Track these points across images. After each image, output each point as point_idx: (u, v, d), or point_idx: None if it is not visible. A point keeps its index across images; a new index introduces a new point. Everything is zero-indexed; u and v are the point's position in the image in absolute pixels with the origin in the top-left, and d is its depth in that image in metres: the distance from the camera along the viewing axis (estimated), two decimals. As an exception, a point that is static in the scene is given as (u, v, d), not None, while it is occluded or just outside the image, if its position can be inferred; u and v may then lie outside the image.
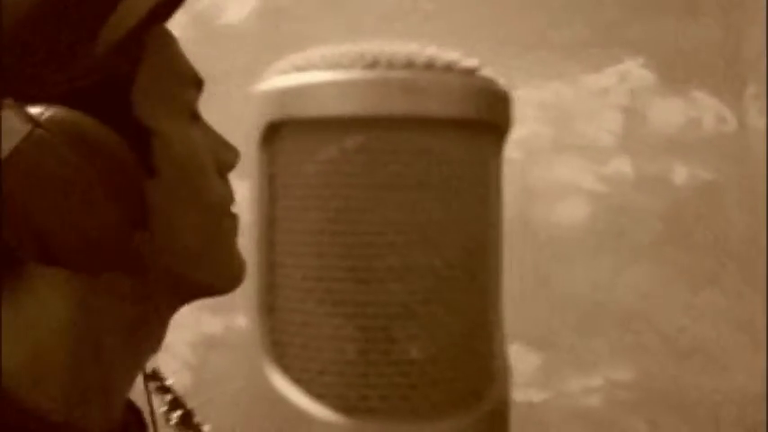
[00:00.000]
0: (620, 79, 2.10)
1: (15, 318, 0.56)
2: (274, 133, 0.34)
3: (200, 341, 2.26)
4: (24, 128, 0.48)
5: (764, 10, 2.00)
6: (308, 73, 0.33)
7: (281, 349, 0.33)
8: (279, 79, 0.34)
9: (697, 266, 2.04)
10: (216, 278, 0.58)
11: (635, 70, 2.09)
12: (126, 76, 0.53)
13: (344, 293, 0.32)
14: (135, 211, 0.50)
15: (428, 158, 0.33)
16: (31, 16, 0.51)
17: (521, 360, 1.93)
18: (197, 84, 0.59)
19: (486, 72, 0.36)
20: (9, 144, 0.47)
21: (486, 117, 0.35)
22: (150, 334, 0.60)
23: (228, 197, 0.58)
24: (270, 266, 0.34)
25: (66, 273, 0.53)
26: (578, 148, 2.08)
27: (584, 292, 2.06)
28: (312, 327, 0.33)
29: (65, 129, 0.49)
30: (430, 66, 0.33)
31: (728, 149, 2.04)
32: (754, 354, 1.99)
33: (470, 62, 0.35)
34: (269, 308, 0.34)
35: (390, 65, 0.33)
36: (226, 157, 0.58)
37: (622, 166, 2.08)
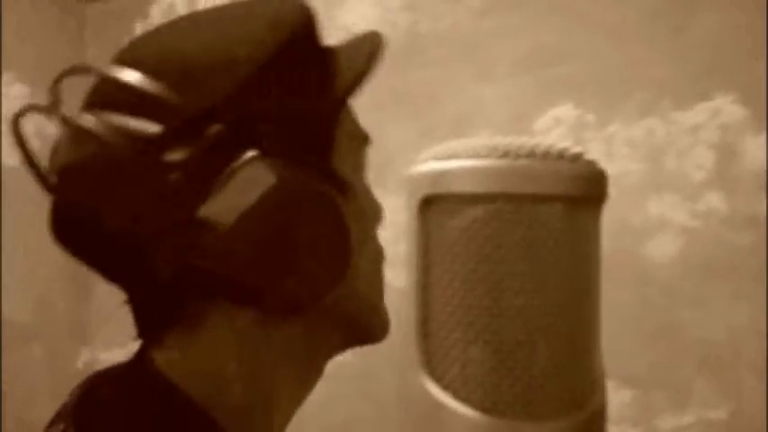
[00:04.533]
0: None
1: (190, 346, 0.60)
2: (428, 205, 0.46)
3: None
4: (269, 180, 0.52)
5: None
6: (455, 160, 0.45)
7: (434, 365, 0.45)
8: (432, 164, 0.46)
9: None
10: (381, 326, 0.58)
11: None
12: (329, 133, 0.56)
13: (483, 324, 0.44)
14: (346, 263, 0.52)
15: (544, 225, 0.44)
16: (263, 73, 0.55)
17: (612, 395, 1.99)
18: (367, 140, 0.61)
19: (588, 157, 0.47)
20: (255, 193, 0.52)
21: (588, 194, 0.46)
22: (317, 371, 0.61)
23: (382, 248, 0.60)
24: (425, 304, 0.46)
25: (251, 312, 0.57)
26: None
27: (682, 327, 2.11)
28: (458, 349, 0.44)
29: (304, 187, 0.52)
30: (546, 155, 0.45)
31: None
32: None
33: (576, 149, 0.46)
34: (425, 334, 0.46)
35: (517, 155, 0.44)
36: (378, 211, 0.60)
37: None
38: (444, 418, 0.44)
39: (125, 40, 2.60)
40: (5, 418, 2.26)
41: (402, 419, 0.47)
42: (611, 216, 2.05)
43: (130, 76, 0.58)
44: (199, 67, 0.55)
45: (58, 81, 0.59)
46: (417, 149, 2.25)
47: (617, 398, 2.04)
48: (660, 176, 2.18)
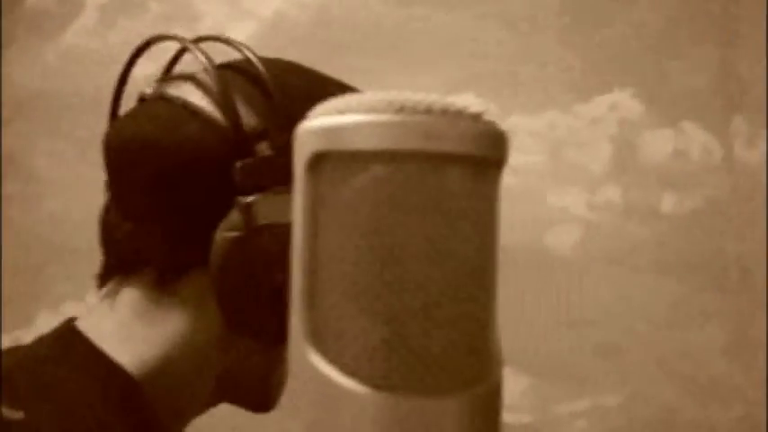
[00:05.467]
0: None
1: (161, 320, 0.70)
2: (317, 163, 0.42)
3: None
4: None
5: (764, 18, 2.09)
6: (348, 115, 0.42)
7: (320, 338, 0.41)
8: (323, 119, 0.42)
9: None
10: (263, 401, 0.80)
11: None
12: None
13: (374, 294, 0.40)
14: None
15: (441, 188, 0.41)
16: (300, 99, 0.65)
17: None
18: None
19: (490, 116, 0.44)
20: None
21: (485, 153, 0.43)
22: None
23: None
24: (312, 272, 0.42)
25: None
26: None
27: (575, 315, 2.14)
28: (346, 320, 0.41)
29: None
30: (445, 111, 0.42)
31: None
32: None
33: (478, 108, 0.44)
34: (311, 305, 0.42)
35: (414, 110, 0.41)
36: None
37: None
38: (333, 395, 0.41)
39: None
40: None
41: (291, 396, 0.44)
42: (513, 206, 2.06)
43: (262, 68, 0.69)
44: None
45: (204, 40, 0.72)
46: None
47: (516, 386, 2.06)
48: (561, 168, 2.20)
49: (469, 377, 0.42)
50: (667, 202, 2.14)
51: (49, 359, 0.70)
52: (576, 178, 2.15)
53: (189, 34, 2.49)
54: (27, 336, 2.41)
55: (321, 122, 0.42)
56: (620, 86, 2.16)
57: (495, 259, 0.44)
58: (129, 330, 0.70)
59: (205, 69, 0.69)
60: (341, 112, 0.42)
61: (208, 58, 0.69)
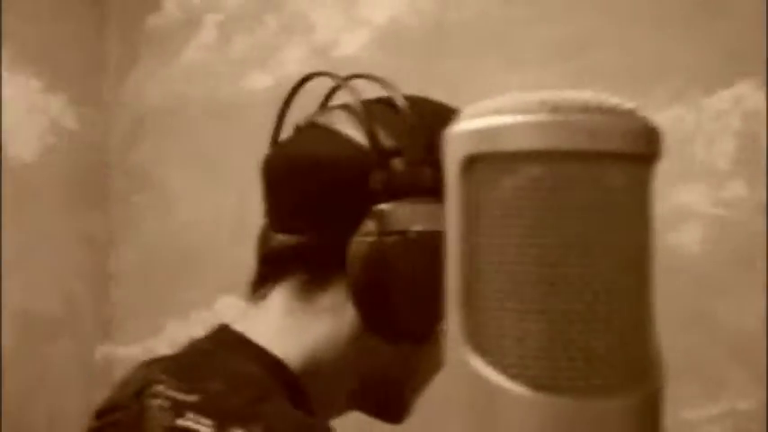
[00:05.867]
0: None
1: (307, 323, 0.78)
2: (471, 164, 0.42)
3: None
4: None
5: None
6: (502, 116, 0.42)
7: (482, 340, 0.41)
8: (476, 121, 0.42)
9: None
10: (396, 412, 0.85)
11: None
12: None
13: (537, 294, 0.40)
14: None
15: (600, 185, 0.41)
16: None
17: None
18: None
19: (642, 112, 0.43)
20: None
21: (643, 150, 0.43)
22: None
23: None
24: (470, 273, 0.42)
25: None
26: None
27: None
28: (509, 321, 0.41)
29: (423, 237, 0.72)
30: (599, 109, 0.41)
31: None
32: None
33: (630, 105, 0.43)
34: (471, 306, 0.42)
35: (569, 109, 0.41)
36: None
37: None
38: (495, 397, 0.40)
39: (141, 31, 2.57)
40: (36, 410, 2.25)
41: (449, 401, 0.44)
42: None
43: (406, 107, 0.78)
44: None
45: (353, 78, 0.81)
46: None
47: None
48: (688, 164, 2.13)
49: (634, 377, 0.41)
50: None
51: (212, 352, 0.77)
52: (701, 174, 2.09)
53: (305, 46, 2.52)
54: (159, 344, 2.50)
55: (474, 125, 0.43)
56: (744, 78, 2.08)
57: (652, 255, 0.44)
58: (281, 331, 0.77)
59: (353, 102, 0.79)
60: (494, 113, 0.42)
61: (354, 92, 0.78)
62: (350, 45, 2.33)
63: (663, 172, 0.47)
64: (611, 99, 0.42)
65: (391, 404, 0.83)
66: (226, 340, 0.78)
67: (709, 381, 2.06)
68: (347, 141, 0.76)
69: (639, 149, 0.42)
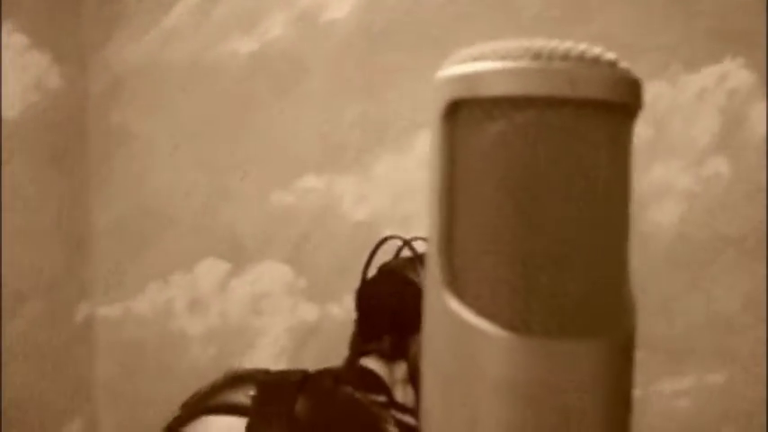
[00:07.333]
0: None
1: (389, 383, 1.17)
2: (455, 110, 0.43)
3: (297, 327, 2.37)
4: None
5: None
6: (484, 62, 0.42)
7: (458, 282, 0.42)
8: (459, 67, 0.43)
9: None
10: None
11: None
12: None
13: (514, 237, 0.41)
14: None
15: (579, 133, 0.41)
16: None
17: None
18: None
19: (623, 64, 0.44)
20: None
21: (624, 100, 0.43)
22: None
23: None
24: (450, 217, 0.43)
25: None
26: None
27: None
28: (485, 264, 0.41)
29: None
30: (581, 58, 0.42)
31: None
32: None
33: (611, 55, 0.43)
34: (449, 251, 0.42)
35: (551, 57, 0.41)
36: None
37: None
38: (472, 339, 0.41)
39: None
40: (5, 374, 2.24)
41: (427, 341, 0.44)
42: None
43: None
44: None
45: (415, 240, 1.31)
46: (406, 93, 2.22)
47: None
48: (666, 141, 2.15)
49: (606, 322, 0.42)
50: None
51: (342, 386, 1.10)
52: (682, 151, 2.10)
53: (287, 12, 2.48)
54: (139, 305, 2.50)
55: (458, 70, 0.43)
56: (732, 56, 2.09)
57: (629, 206, 0.44)
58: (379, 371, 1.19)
59: (414, 255, 1.22)
60: (477, 59, 0.43)
61: (413, 250, 1.24)
62: (334, 13, 2.32)
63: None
64: (594, 48, 0.43)
65: None
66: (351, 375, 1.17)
67: (680, 354, 2.09)
68: (411, 283, 1.18)
69: (619, 98, 0.42)
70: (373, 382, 1.16)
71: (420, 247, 1.22)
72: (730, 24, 2.10)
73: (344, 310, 2.26)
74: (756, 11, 2.08)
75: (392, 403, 1.14)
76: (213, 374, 1.00)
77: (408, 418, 1.12)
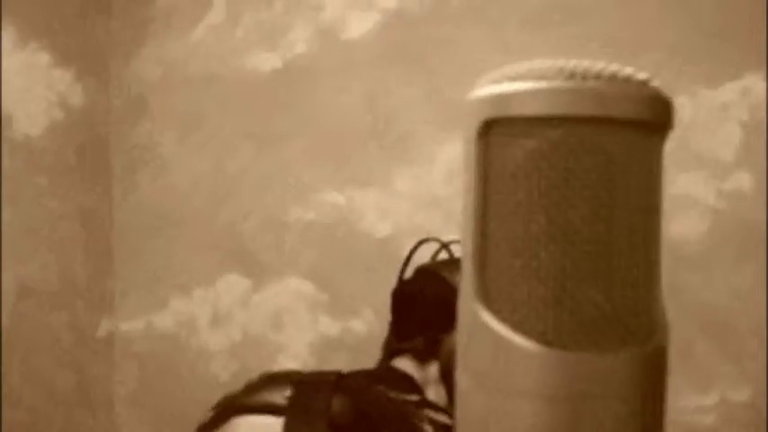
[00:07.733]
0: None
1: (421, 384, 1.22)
2: (488, 129, 0.44)
3: (318, 342, 2.38)
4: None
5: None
6: (519, 83, 0.43)
7: (491, 296, 0.43)
8: (494, 87, 0.44)
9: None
10: None
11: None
12: None
13: (545, 252, 0.42)
14: None
15: (611, 151, 0.42)
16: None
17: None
18: None
19: (655, 83, 0.45)
20: None
21: (656, 119, 0.44)
22: None
23: None
24: (483, 233, 0.44)
25: None
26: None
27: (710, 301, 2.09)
28: (517, 279, 0.42)
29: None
30: (613, 78, 0.43)
31: None
32: None
33: (643, 75, 0.44)
34: (482, 264, 0.44)
35: (584, 77, 0.42)
36: None
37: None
38: (504, 351, 0.42)
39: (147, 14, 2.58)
40: (27, 386, 2.26)
41: (462, 351, 0.45)
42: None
43: None
44: None
45: (453, 243, 1.48)
46: (424, 108, 2.23)
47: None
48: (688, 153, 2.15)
49: (637, 335, 0.43)
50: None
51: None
52: (704, 165, 2.10)
53: (311, 25, 2.51)
54: (162, 320, 2.52)
55: (491, 90, 0.44)
56: (752, 71, 2.09)
57: (659, 222, 0.45)
58: (412, 373, 1.22)
59: (451, 258, 1.32)
60: (510, 79, 0.44)
61: (451, 253, 1.37)
62: (356, 28, 2.34)
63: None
64: (625, 68, 0.44)
65: None
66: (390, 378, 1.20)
67: (702, 373, 2.08)
68: (447, 283, 1.20)
69: (650, 117, 0.43)
70: (406, 382, 1.17)
71: (457, 249, 1.31)
72: (750, 39, 2.10)
73: (366, 325, 2.27)
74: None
75: (425, 402, 1.14)
76: (235, 389, 1.02)
77: (442, 417, 1.12)
